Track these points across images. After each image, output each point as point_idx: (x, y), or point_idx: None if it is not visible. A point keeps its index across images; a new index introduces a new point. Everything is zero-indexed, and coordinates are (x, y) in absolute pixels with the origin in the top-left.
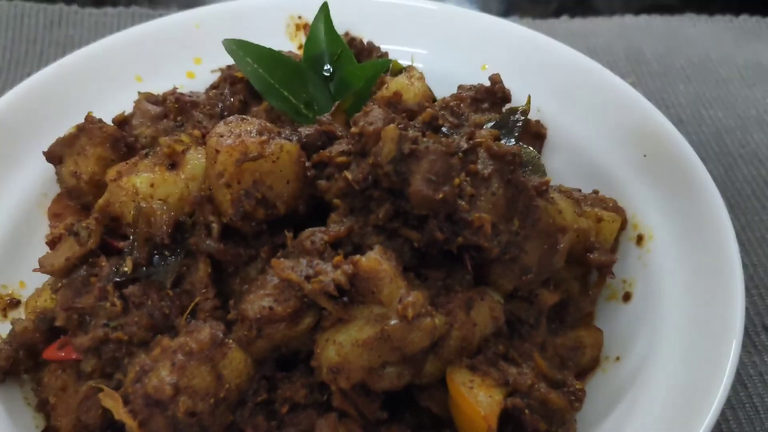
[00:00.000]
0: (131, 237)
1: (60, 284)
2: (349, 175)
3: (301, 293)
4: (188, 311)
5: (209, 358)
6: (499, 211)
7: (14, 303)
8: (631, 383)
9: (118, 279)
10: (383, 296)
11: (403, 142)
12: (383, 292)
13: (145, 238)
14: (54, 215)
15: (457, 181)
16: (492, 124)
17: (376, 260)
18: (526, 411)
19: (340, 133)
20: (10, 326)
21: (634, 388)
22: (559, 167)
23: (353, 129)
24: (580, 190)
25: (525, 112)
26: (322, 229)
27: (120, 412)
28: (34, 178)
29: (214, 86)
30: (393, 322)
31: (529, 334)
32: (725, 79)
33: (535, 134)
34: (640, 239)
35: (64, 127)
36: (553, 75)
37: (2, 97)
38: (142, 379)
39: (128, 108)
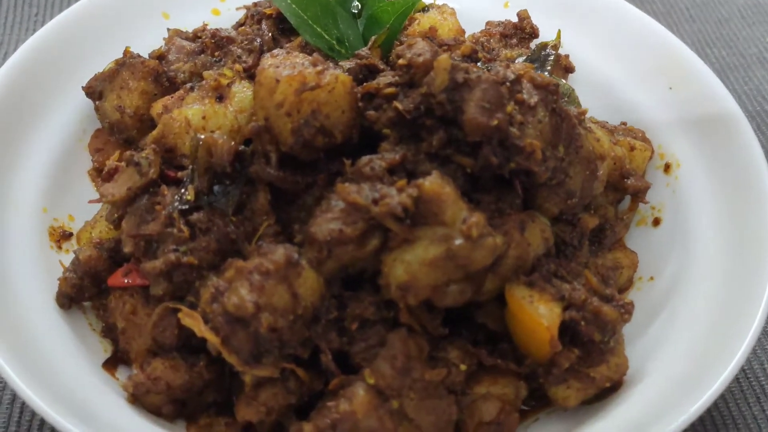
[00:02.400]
0: (190, 167)
1: (116, 215)
2: (399, 105)
3: (367, 216)
4: (258, 234)
5: (285, 277)
6: (546, 139)
7: (66, 235)
8: (667, 300)
9: (182, 207)
10: (446, 217)
11: (456, 72)
12: (446, 214)
13: (206, 168)
14: (96, 150)
15: (509, 108)
16: (524, 58)
17: (438, 183)
18: (582, 323)
19: (382, 67)
20: (69, 257)
21: (671, 305)
22: (587, 101)
23: (401, 61)
24: (608, 123)
25: (555, 47)
26: (379, 156)
27: (202, 330)
28: (72, 115)
29: (240, 23)
30: (458, 241)
31: (573, 255)
32: (726, 19)
33: (566, 68)
34: (667, 167)
35: (97, 62)
36: (576, 10)
37: (35, 34)
38: (219, 299)
39: (157, 44)
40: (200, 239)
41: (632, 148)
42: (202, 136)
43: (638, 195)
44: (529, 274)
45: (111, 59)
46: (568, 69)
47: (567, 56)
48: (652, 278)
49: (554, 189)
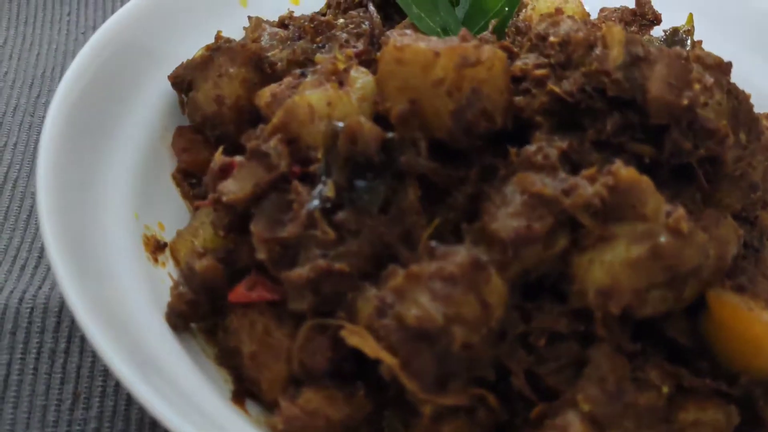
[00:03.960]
0: (324, 159)
1: (227, 219)
2: (556, 88)
3: (557, 210)
4: (428, 233)
5: (473, 283)
6: (727, 123)
7: (161, 246)
8: None
9: (324, 205)
10: (647, 210)
11: (633, 45)
12: (648, 206)
13: (346, 159)
14: (182, 150)
15: (696, 86)
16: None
17: (635, 171)
18: None
19: (516, 50)
20: (167, 271)
21: None
22: None
23: (552, 39)
24: None
25: (689, 32)
26: (548, 143)
27: (375, 350)
28: (152, 111)
29: (321, 13)
30: (664, 238)
31: (754, 257)
32: None
33: None
34: None
35: (174, 53)
36: None
37: (102, 27)
38: (389, 312)
39: (236, 34)
40: (350, 242)
41: None
42: (341, 123)
43: None
44: (729, 276)
45: (188, 50)
46: None
47: (700, 42)
48: None
49: (736, 181)
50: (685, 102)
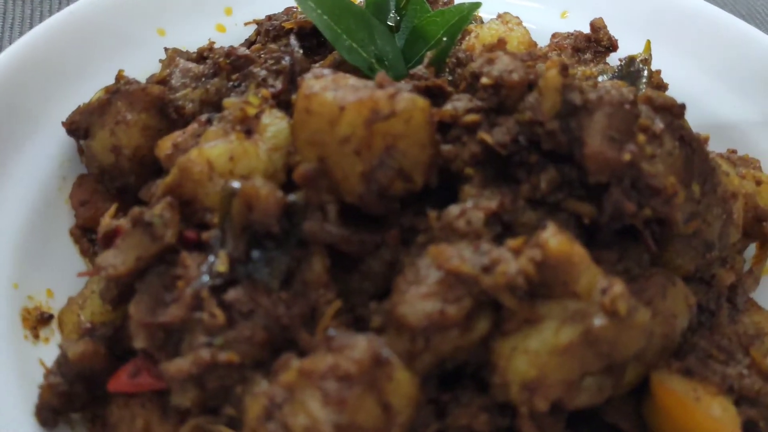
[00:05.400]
0: (219, 226)
1: (116, 291)
2: (487, 137)
3: (476, 290)
4: (326, 319)
5: (372, 383)
6: (678, 176)
7: (45, 318)
8: None
9: (213, 282)
10: (580, 287)
11: (570, 92)
12: (579, 282)
13: (243, 227)
14: (80, 203)
15: (641, 138)
16: (609, 76)
17: (567, 241)
18: (761, 424)
19: (450, 90)
20: (50, 349)
21: None
22: None
23: (484, 80)
24: (722, 154)
25: (646, 61)
26: (472, 205)
27: None
28: (47, 158)
29: (251, 41)
30: (598, 321)
31: (710, 322)
32: None
33: (657, 86)
34: None
35: (78, 90)
36: (653, 17)
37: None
38: (276, 415)
39: (151, 67)
40: (241, 326)
41: (758, 182)
42: (237, 185)
43: None
44: (679, 356)
45: (95, 86)
46: (660, 87)
47: (659, 72)
48: None
49: (689, 240)
50: (627, 157)
